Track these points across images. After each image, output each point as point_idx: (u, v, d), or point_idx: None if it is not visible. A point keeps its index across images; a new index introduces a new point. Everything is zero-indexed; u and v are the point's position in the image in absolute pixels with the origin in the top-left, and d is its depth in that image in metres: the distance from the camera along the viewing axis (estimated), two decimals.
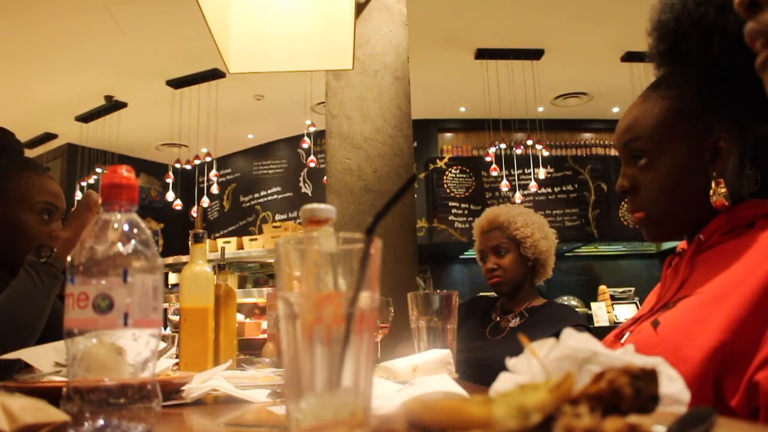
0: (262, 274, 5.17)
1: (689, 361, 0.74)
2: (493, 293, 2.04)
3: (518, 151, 6.01)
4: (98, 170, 6.44)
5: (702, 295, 0.81)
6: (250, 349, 2.47)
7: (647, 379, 0.32)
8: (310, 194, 6.96)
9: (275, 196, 7.28)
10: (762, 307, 0.72)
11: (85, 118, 6.26)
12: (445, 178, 6.24)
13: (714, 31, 0.86)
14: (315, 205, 0.83)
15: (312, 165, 5.83)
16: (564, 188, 6.27)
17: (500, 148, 5.86)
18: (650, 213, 0.94)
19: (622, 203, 6.17)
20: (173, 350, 1.25)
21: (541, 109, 6.10)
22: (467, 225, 6.05)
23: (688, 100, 0.91)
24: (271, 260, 4.32)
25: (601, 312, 5.40)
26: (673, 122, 0.91)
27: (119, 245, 0.56)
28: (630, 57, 5.29)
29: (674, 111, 0.91)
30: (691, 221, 0.92)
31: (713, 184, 0.87)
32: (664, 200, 0.92)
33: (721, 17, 0.84)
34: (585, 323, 1.87)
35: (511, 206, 2.01)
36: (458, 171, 6.30)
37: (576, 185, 6.27)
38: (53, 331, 1.32)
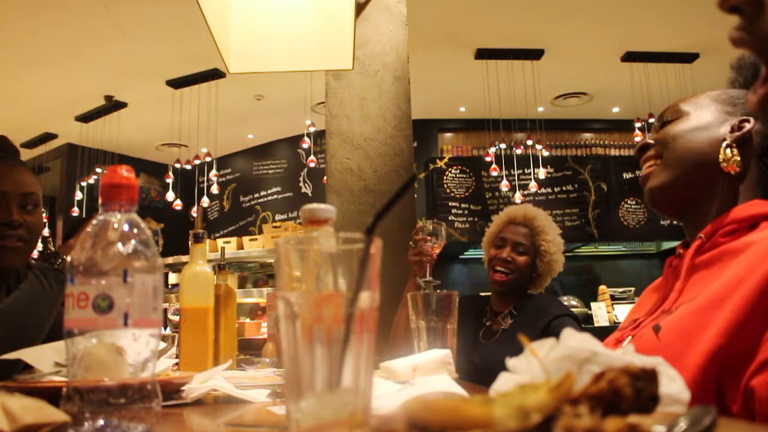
0: (262, 274, 5.17)
1: (690, 367, 0.73)
2: (480, 294, 2.05)
3: (518, 151, 6.01)
4: (98, 170, 6.44)
5: (702, 299, 0.80)
6: (250, 349, 2.48)
7: (647, 379, 0.32)
8: (310, 194, 6.96)
9: (275, 196, 7.28)
10: (759, 310, 0.72)
11: (85, 118, 6.26)
12: (445, 178, 6.24)
13: None
14: (315, 205, 0.83)
15: (312, 165, 5.83)
16: (564, 188, 6.27)
17: (500, 148, 5.86)
18: (661, 160, 0.97)
19: (622, 203, 6.17)
20: (173, 350, 1.25)
21: (541, 109, 6.10)
22: (467, 225, 6.05)
23: (729, 90, 1.00)
24: (271, 260, 4.32)
25: (601, 312, 5.40)
26: (708, 99, 0.99)
27: (119, 245, 0.56)
28: (630, 57, 5.29)
29: (713, 94, 1.00)
30: (696, 187, 0.94)
31: (724, 146, 0.91)
32: (677, 144, 0.95)
33: None
34: (570, 312, 1.88)
35: (547, 216, 2.02)
36: (458, 171, 6.30)
37: (576, 185, 6.27)
38: (53, 331, 1.32)
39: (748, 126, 0.92)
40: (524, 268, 1.90)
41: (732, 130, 0.93)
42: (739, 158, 0.90)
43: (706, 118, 0.96)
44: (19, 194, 1.41)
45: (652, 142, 1.01)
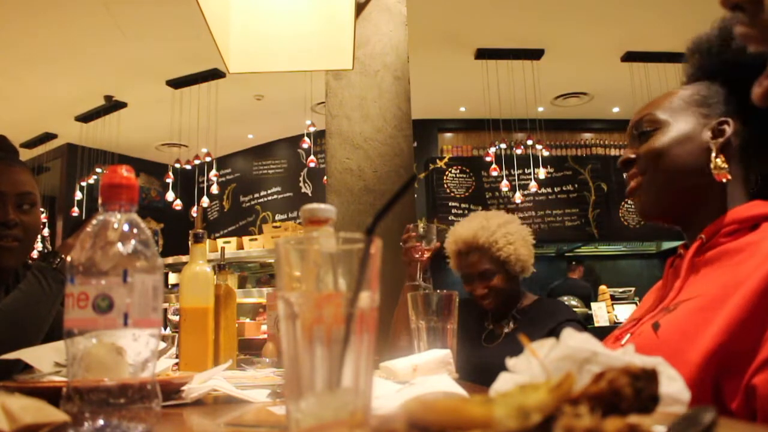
0: (262, 274, 5.18)
1: (688, 364, 0.73)
2: None
3: (518, 151, 6.01)
4: (98, 170, 6.45)
5: (702, 299, 0.80)
6: (250, 349, 2.48)
7: (647, 379, 0.32)
8: (310, 194, 6.97)
9: (275, 196, 7.28)
10: (760, 309, 0.72)
11: (85, 118, 6.27)
12: (445, 178, 6.25)
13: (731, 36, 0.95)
14: (315, 205, 0.83)
15: (312, 165, 5.83)
16: (564, 188, 6.27)
17: (500, 148, 5.87)
18: (647, 176, 0.96)
19: (623, 203, 6.17)
20: (173, 350, 1.25)
21: (541, 109, 6.10)
22: None
23: (699, 88, 0.98)
24: (271, 260, 4.33)
25: (601, 312, 5.40)
26: (682, 103, 0.98)
27: (119, 245, 0.56)
28: (630, 57, 5.29)
29: (686, 95, 0.98)
30: (686, 196, 0.94)
31: (713, 157, 0.91)
32: (662, 161, 0.94)
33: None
34: (577, 318, 1.84)
35: (486, 219, 1.87)
36: (458, 171, 6.30)
37: (576, 185, 6.27)
38: (53, 331, 1.32)
39: (728, 130, 0.92)
40: (502, 284, 1.82)
41: (713, 135, 0.93)
42: (727, 165, 0.90)
43: (686, 126, 0.95)
44: (15, 194, 1.41)
45: (633, 156, 0.99)
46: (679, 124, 0.95)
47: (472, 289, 1.87)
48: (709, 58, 0.99)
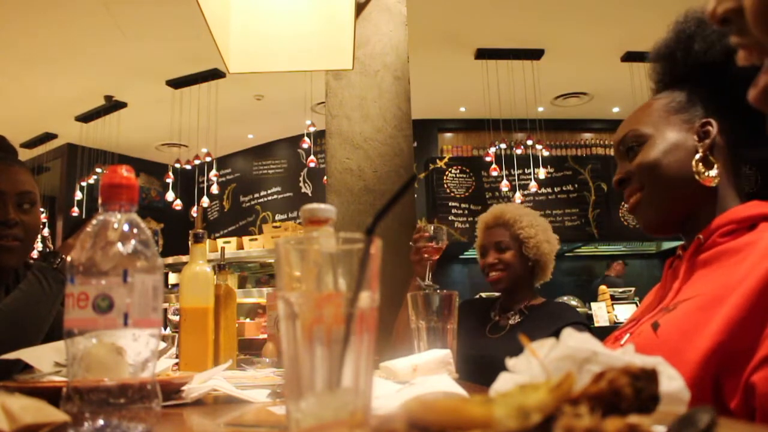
0: (262, 274, 5.17)
1: (688, 364, 0.74)
2: (490, 294, 2.04)
3: (518, 151, 6.01)
4: (98, 170, 6.45)
5: (701, 298, 0.81)
6: (250, 349, 2.48)
7: (647, 379, 0.32)
8: (310, 194, 6.96)
9: (275, 196, 7.28)
10: (759, 307, 0.72)
11: (85, 118, 6.26)
12: (445, 178, 6.24)
13: (694, 37, 0.97)
14: (315, 205, 0.83)
15: (312, 165, 5.83)
16: (564, 188, 6.27)
17: (500, 148, 5.87)
18: (646, 190, 0.97)
19: (623, 203, 6.17)
20: (173, 350, 1.25)
21: (541, 109, 6.10)
22: (467, 225, 6.04)
23: (674, 96, 0.99)
24: (271, 260, 4.32)
25: (601, 312, 5.40)
26: (661, 113, 0.98)
27: (119, 245, 0.56)
28: (630, 57, 5.29)
29: (662, 105, 0.99)
30: (686, 202, 0.95)
31: (695, 162, 0.92)
32: (657, 172, 0.95)
33: (699, 28, 0.98)
34: (584, 321, 1.87)
35: (519, 206, 2.01)
36: (458, 171, 6.30)
37: (576, 185, 6.27)
38: (53, 331, 1.32)
39: (712, 130, 0.93)
40: (513, 262, 1.90)
41: (699, 138, 0.94)
42: (714, 171, 0.91)
43: (672, 135, 0.95)
44: (15, 193, 1.41)
45: (627, 174, 1.00)
46: (664, 135, 0.96)
47: (484, 261, 1.95)
48: (675, 64, 1.00)
